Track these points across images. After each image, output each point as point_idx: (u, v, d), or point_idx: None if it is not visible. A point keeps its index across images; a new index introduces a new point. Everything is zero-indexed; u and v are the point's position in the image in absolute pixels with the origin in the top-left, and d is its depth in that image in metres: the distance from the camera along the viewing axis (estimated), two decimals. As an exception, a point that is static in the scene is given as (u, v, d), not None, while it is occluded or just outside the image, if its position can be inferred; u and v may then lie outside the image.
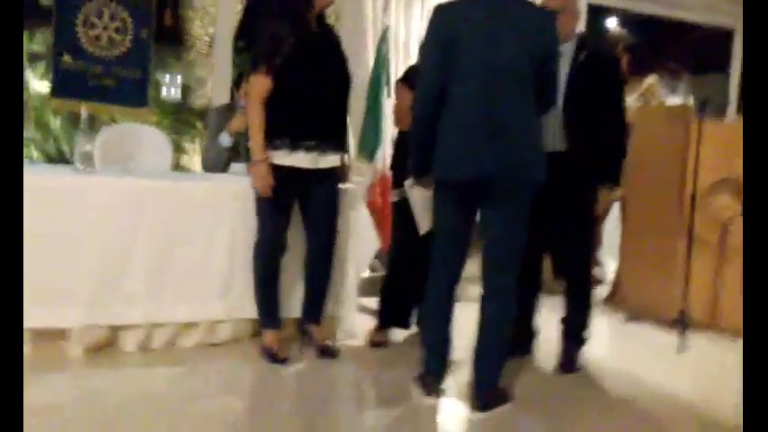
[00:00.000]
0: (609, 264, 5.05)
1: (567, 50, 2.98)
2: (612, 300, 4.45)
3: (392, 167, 3.43)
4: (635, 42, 4.95)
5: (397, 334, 3.37)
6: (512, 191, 2.48)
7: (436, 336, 2.66)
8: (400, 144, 3.31)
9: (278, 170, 2.79)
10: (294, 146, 2.81)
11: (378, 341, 3.26)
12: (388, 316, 3.30)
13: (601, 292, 4.64)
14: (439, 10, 2.51)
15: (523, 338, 3.20)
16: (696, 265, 3.75)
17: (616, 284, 4.52)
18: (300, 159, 2.83)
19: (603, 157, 2.96)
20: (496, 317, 2.55)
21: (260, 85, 2.75)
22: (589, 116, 2.91)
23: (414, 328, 3.34)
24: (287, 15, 2.77)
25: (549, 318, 3.22)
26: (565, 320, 3.14)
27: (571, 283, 3.12)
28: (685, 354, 3.50)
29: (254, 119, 2.79)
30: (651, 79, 4.52)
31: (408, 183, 2.76)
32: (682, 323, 3.62)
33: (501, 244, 2.54)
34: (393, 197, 3.26)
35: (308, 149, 2.83)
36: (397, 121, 3.36)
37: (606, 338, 3.86)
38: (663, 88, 4.57)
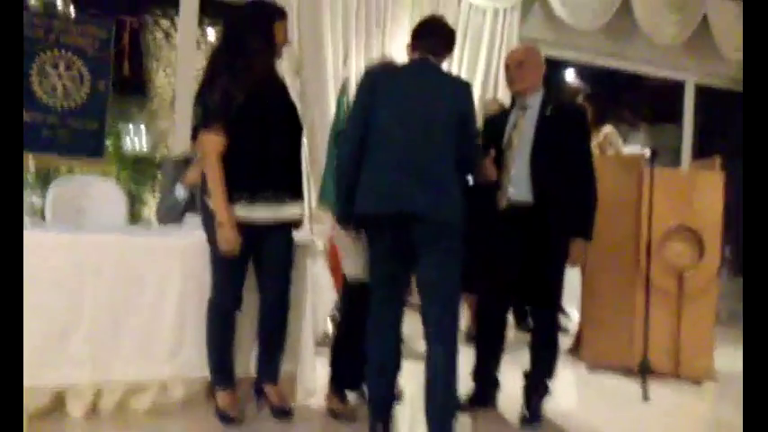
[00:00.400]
0: (573, 313, 5.06)
1: (533, 103, 3.04)
2: (575, 350, 4.44)
3: None
4: (593, 93, 5.06)
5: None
6: (433, 234, 2.50)
7: (380, 386, 2.64)
8: None
9: (237, 225, 2.74)
10: (253, 199, 2.75)
11: (336, 410, 3.00)
12: (342, 377, 3.06)
13: (564, 342, 4.63)
14: (366, 74, 2.76)
15: (487, 390, 3.17)
16: (655, 313, 3.77)
17: (578, 334, 4.51)
18: (260, 212, 2.77)
19: (575, 209, 2.96)
20: (441, 360, 2.52)
21: (215, 143, 2.71)
22: (557, 168, 2.92)
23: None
24: (242, 65, 2.73)
25: (510, 370, 3.19)
26: (529, 374, 3.11)
27: (539, 335, 3.09)
28: (649, 402, 3.48)
29: (213, 176, 2.70)
30: (608, 128, 4.61)
31: (337, 227, 2.84)
32: (644, 372, 3.61)
33: (435, 291, 2.56)
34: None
35: (267, 201, 2.78)
36: None
37: (570, 389, 3.83)
38: (619, 138, 4.64)
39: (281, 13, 2.86)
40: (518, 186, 2.94)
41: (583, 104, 4.56)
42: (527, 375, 3.10)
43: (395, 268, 2.61)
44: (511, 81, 3.11)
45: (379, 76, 2.73)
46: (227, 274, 2.83)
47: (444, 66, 2.85)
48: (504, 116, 3.17)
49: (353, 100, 2.75)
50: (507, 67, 3.12)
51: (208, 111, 2.71)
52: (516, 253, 3.00)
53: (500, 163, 2.99)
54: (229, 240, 2.70)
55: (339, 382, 3.06)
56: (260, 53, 2.77)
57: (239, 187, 2.73)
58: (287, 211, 2.84)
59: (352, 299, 3.00)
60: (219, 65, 2.76)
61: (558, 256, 2.99)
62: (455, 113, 2.62)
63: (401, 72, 2.78)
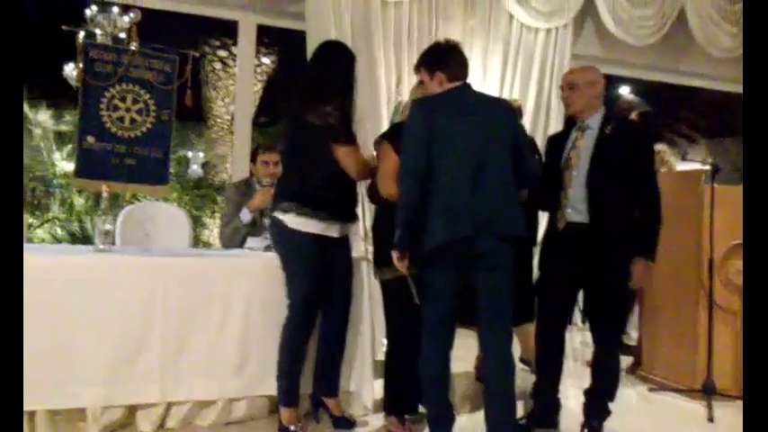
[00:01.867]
0: (631, 333, 4.97)
1: (593, 123, 3.01)
2: (634, 370, 4.36)
3: (375, 243, 3.14)
4: (649, 110, 4.98)
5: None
6: (491, 252, 2.59)
7: (440, 406, 2.69)
8: (383, 218, 3.05)
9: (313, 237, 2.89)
10: (326, 215, 2.92)
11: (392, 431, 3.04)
12: (397, 399, 3.08)
13: (624, 361, 4.56)
14: (419, 103, 2.76)
15: (549, 411, 3.14)
16: (718, 331, 3.69)
17: (638, 354, 4.43)
18: (332, 230, 2.94)
19: (638, 229, 2.92)
20: (497, 372, 2.64)
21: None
22: (616, 188, 2.89)
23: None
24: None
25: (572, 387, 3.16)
26: (590, 392, 3.08)
27: (601, 355, 3.05)
28: (714, 423, 3.39)
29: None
30: (660, 146, 4.53)
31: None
32: (708, 392, 3.53)
33: (490, 307, 2.64)
34: (381, 276, 3.05)
35: (334, 219, 2.95)
36: (384, 185, 2.91)
37: (632, 409, 3.76)
38: (674, 155, 4.57)
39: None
40: (575, 207, 2.94)
41: (634, 121, 4.52)
42: (587, 393, 3.08)
43: (452, 300, 2.67)
44: (566, 104, 3.10)
45: (434, 105, 2.73)
46: (308, 287, 2.91)
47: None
48: (562, 137, 3.16)
49: (408, 132, 2.72)
50: (562, 89, 3.12)
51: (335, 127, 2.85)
52: (574, 275, 2.98)
53: (559, 183, 3.00)
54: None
55: (394, 405, 3.09)
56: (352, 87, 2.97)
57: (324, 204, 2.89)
58: (349, 228, 3.03)
59: (399, 320, 3.05)
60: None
61: (616, 277, 2.93)
62: (509, 132, 2.71)
63: (453, 99, 2.75)
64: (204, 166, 9.81)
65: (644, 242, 2.93)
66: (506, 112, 2.80)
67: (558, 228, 3.00)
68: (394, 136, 2.93)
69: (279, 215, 2.92)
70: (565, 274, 3.00)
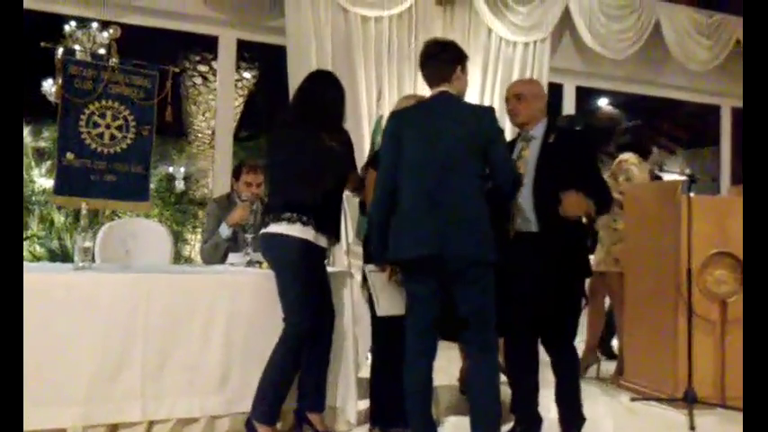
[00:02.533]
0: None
1: (536, 133, 3.04)
2: (616, 379, 4.40)
3: (365, 254, 3.24)
4: (634, 125, 4.98)
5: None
6: (465, 271, 2.62)
7: (422, 415, 2.71)
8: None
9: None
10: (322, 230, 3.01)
11: None
12: (381, 413, 3.10)
13: (607, 371, 4.60)
14: (391, 116, 2.86)
15: (529, 426, 3.12)
16: (698, 340, 3.73)
17: (619, 364, 4.46)
18: (322, 240, 3.00)
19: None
20: (482, 385, 2.67)
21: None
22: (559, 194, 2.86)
23: None
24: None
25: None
26: (559, 402, 3.06)
27: (559, 365, 3.04)
28: (696, 431, 3.42)
29: None
30: (626, 156, 4.48)
31: (369, 267, 2.96)
32: (689, 400, 3.57)
33: (473, 319, 2.68)
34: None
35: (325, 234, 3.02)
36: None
37: (614, 419, 3.79)
38: (639, 165, 4.50)
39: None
40: (525, 216, 2.93)
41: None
42: (557, 403, 3.06)
43: (432, 308, 2.70)
44: (511, 114, 3.12)
45: (403, 118, 2.82)
46: (304, 297, 2.92)
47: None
48: (511, 147, 3.15)
49: (381, 143, 2.86)
50: (507, 100, 3.14)
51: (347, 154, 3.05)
52: (531, 284, 2.94)
53: None
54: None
55: (379, 416, 3.10)
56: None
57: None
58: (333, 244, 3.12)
59: (384, 333, 3.06)
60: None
61: (566, 284, 2.95)
62: (481, 138, 2.68)
63: (422, 110, 2.85)
64: (186, 180, 9.76)
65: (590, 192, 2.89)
66: (484, 115, 2.77)
67: (509, 238, 2.96)
68: (376, 161, 3.05)
69: (281, 229, 2.91)
70: (521, 285, 2.97)
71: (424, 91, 5.62)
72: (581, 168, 2.94)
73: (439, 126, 2.70)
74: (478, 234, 2.62)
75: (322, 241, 2.99)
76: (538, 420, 3.14)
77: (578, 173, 2.90)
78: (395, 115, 2.88)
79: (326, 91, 3.07)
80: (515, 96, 3.09)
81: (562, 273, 2.91)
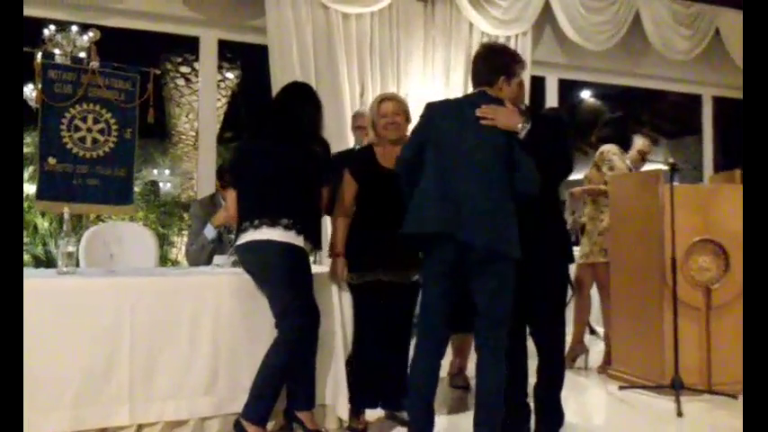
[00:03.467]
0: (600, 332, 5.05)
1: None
2: (605, 368, 4.43)
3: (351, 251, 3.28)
4: (617, 116, 5.02)
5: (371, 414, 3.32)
6: (486, 264, 2.64)
7: (422, 407, 2.74)
8: (350, 231, 3.27)
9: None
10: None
11: (350, 427, 3.19)
12: (359, 398, 3.22)
13: (596, 360, 4.63)
14: (426, 107, 2.87)
15: (518, 420, 3.11)
16: (684, 327, 3.76)
17: (607, 353, 4.50)
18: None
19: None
20: (493, 379, 2.70)
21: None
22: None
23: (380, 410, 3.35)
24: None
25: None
26: (537, 387, 3.09)
27: (543, 353, 3.06)
28: (683, 418, 3.45)
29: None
30: (606, 147, 4.52)
31: None
32: (676, 387, 3.60)
33: (487, 314, 2.70)
34: (350, 281, 3.23)
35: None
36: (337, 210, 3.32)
37: (602, 407, 3.82)
38: (620, 155, 4.53)
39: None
40: None
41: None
42: (535, 389, 3.09)
43: (445, 305, 2.74)
44: None
45: (436, 111, 2.86)
46: (313, 301, 3.01)
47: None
48: None
49: (412, 130, 2.94)
50: None
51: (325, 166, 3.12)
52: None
53: None
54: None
55: (354, 400, 3.18)
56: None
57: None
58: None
59: (365, 322, 3.20)
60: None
61: (545, 273, 2.97)
62: (501, 141, 2.71)
63: (456, 105, 2.90)
64: (172, 183, 9.72)
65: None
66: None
67: None
68: (351, 165, 3.28)
69: (274, 236, 2.92)
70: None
71: (407, 86, 5.67)
72: (549, 151, 2.90)
73: (468, 124, 2.73)
74: (499, 227, 2.64)
75: (307, 246, 3.05)
76: (527, 412, 3.15)
77: (547, 155, 2.87)
78: (431, 107, 2.89)
79: (302, 106, 3.11)
80: None
81: (540, 256, 2.89)
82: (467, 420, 2.87)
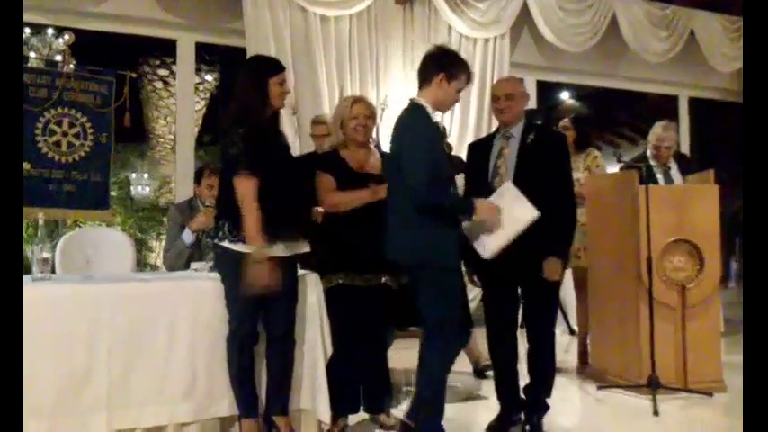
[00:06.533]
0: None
1: (516, 132, 3.10)
2: (581, 367, 4.46)
3: (319, 255, 3.21)
4: (580, 116, 5.14)
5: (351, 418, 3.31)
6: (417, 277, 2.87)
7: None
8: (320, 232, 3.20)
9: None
10: (275, 238, 2.85)
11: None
12: (338, 403, 3.15)
13: (570, 360, 4.66)
14: None
15: (511, 410, 3.19)
16: (660, 327, 3.80)
17: (584, 353, 4.53)
18: (280, 249, 2.87)
19: (554, 231, 2.97)
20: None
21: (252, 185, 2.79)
22: (539, 194, 2.90)
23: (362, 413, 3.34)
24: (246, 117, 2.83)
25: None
26: (527, 388, 3.16)
27: (535, 351, 3.13)
28: (659, 417, 3.49)
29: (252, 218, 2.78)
30: (595, 152, 4.63)
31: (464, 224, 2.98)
32: (652, 386, 3.64)
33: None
34: (324, 284, 3.16)
35: (285, 240, 2.89)
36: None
37: (579, 406, 3.85)
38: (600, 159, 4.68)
39: (275, 68, 2.93)
40: None
41: (563, 127, 4.63)
42: (525, 390, 3.16)
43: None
44: (500, 112, 3.14)
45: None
46: (245, 307, 2.89)
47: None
48: (485, 145, 3.22)
49: None
50: (496, 99, 3.15)
51: (237, 158, 2.79)
52: (508, 276, 3.05)
53: (489, 190, 3.04)
54: (266, 276, 2.78)
55: (335, 405, 3.11)
56: (255, 109, 2.86)
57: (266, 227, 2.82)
58: (298, 248, 2.96)
59: (341, 326, 3.15)
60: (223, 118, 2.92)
61: (540, 277, 3.01)
62: (398, 145, 2.85)
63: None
64: (150, 187, 9.65)
65: (557, 242, 3.02)
66: (399, 120, 2.89)
67: None
68: (323, 167, 3.23)
69: (229, 240, 2.87)
70: (499, 276, 3.06)
71: (387, 89, 5.67)
72: (555, 171, 3.04)
73: (395, 135, 2.91)
74: (411, 238, 2.78)
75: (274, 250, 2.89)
76: (518, 407, 3.21)
77: (555, 174, 3.03)
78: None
79: (238, 82, 2.92)
80: (506, 96, 3.12)
81: (537, 257, 2.98)
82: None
